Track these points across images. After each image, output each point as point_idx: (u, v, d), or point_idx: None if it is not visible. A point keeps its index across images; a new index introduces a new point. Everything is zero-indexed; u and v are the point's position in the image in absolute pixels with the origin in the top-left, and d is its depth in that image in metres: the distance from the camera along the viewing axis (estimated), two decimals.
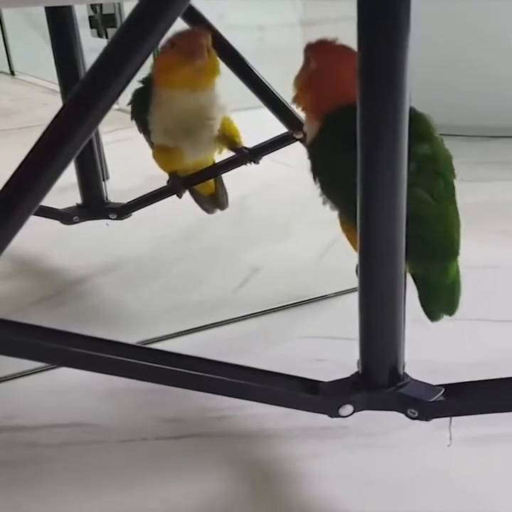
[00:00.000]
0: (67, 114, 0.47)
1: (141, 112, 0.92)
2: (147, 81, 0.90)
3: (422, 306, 0.65)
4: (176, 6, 0.44)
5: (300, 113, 0.69)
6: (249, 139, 0.96)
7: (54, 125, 0.47)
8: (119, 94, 0.46)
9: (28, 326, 0.55)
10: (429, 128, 0.64)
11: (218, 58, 0.88)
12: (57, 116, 0.47)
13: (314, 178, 0.66)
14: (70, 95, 0.47)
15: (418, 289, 0.65)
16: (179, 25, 0.76)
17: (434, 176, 0.63)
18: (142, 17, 0.44)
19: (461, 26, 1.65)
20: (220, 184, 1.01)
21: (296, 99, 0.68)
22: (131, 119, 0.94)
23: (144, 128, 0.93)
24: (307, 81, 0.67)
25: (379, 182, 0.53)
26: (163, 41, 0.82)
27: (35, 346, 0.54)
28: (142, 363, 0.57)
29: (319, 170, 0.66)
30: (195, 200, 1.01)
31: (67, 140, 0.46)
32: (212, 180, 1.00)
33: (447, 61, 1.67)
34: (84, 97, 0.46)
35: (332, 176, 0.64)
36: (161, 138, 0.93)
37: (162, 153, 0.94)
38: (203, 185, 1.00)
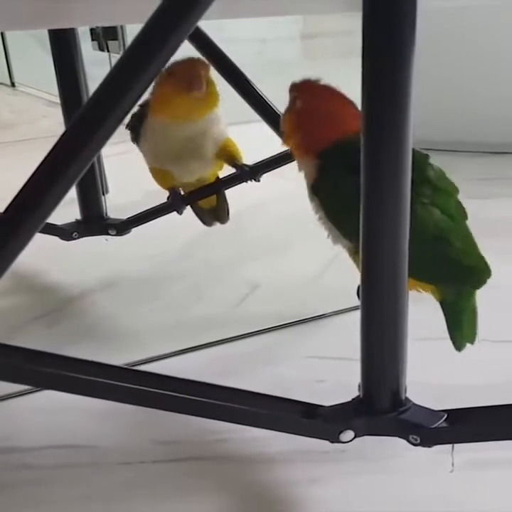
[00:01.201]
0: (73, 133, 0.46)
1: (135, 134, 0.92)
2: (145, 105, 0.89)
3: (452, 335, 0.64)
4: (183, 28, 0.43)
5: (291, 153, 0.69)
6: (248, 153, 0.96)
7: (60, 144, 0.46)
8: (126, 113, 0.45)
9: (18, 349, 0.54)
10: (423, 155, 0.65)
11: (217, 89, 0.88)
12: (63, 135, 0.47)
13: (326, 220, 0.66)
14: (75, 114, 0.46)
15: (447, 316, 0.64)
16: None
17: (446, 196, 0.64)
18: (150, 37, 0.44)
19: (460, 43, 1.66)
20: (221, 198, 1.00)
21: (286, 140, 0.69)
22: (132, 141, 0.94)
23: (139, 148, 0.94)
24: (296, 121, 0.67)
25: (382, 203, 0.53)
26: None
27: (22, 369, 0.53)
28: (137, 387, 0.56)
29: (332, 212, 0.65)
30: (196, 213, 1.01)
31: (73, 160, 0.46)
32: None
33: (446, 79, 1.67)
34: (90, 116, 0.46)
35: (346, 214, 0.63)
36: (151, 162, 0.94)
37: (155, 173, 0.95)
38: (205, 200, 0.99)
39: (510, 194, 1.43)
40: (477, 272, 0.63)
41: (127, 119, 0.91)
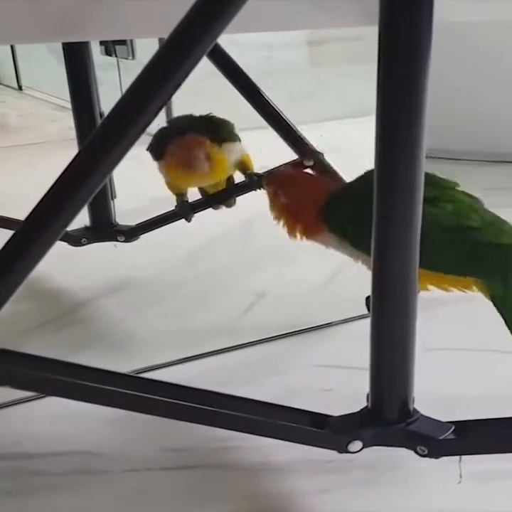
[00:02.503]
0: (92, 147, 0.47)
1: (154, 156, 0.93)
2: (166, 133, 0.91)
3: None
4: (202, 45, 0.44)
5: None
6: (256, 159, 0.96)
7: (79, 158, 0.47)
8: (145, 128, 0.46)
9: (24, 355, 0.54)
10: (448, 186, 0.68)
11: (223, 157, 0.90)
12: (82, 149, 0.47)
13: (355, 252, 0.70)
14: (94, 130, 0.47)
15: (503, 315, 0.63)
16: None
17: (452, 191, 0.66)
18: (168, 54, 0.44)
19: (468, 54, 1.66)
20: (230, 182, 1.00)
21: (290, 233, 0.76)
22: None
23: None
24: (288, 213, 0.75)
25: (393, 213, 0.53)
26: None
27: (29, 377, 0.53)
28: (144, 395, 0.56)
29: (355, 242, 0.69)
30: (202, 195, 1.01)
31: (91, 174, 0.46)
32: (221, 185, 1.00)
33: (453, 87, 1.67)
34: (110, 131, 0.46)
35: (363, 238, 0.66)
36: (167, 180, 0.96)
37: (170, 185, 0.97)
38: (213, 189, 1.00)
39: None
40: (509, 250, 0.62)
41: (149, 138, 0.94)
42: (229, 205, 1.01)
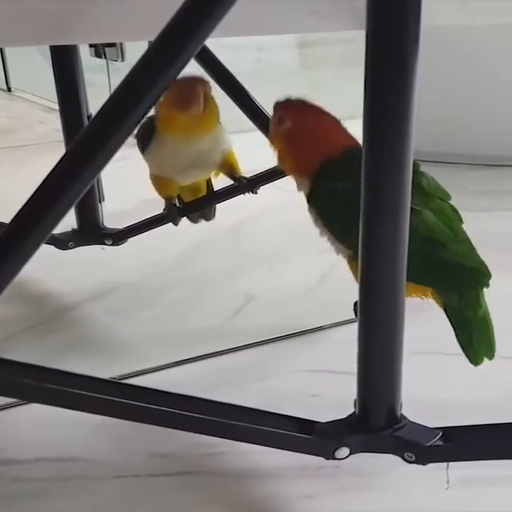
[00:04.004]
0: (79, 148, 0.46)
1: (142, 140, 0.92)
2: (153, 118, 0.90)
3: (461, 345, 0.63)
4: (190, 48, 0.43)
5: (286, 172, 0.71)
6: (244, 162, 0.96)
7: (66, 159, 0.46)
8: (132, 129, 0.45)
9: (8, 361, 0.53)
10: (416, 165, 0.66)
11: (217, 106, 0.89)
12: (69, 150, 0.47)
13: (326, 232, 0.67)
14: (82, 130, 0.46)
15: (453, 324, 0.63)
16: None
17: (440, 201, 0.65)
18: (156, 57, 0.44)
19: (456, 58, 1.67)
20: (209, 191, 1.00)
21: (279, 161, 0.70)
22: (135, 137, 0.94)
23: (143, 155, 0.93)
24: (287, 143, 0.69)
25: (381, 219, 0.53)
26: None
27: (14, 383, 0.52)
28: (128, 402, 0.56)
29: (330, 223, 0.67)
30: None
31: (78, 175, 0.46)
32: (201, 191, 1.00)
33: (446, 91, 1.67)
34: (96, 133, 0.46)
35: (344, 225, 0.65)
36: (155, 170, 0.94)
37: (156, 179, 0.95)
38: (191, 196, 1.00)
39: (505, 207, 1.43)
40: (474, 272, 0.63)
41: (137, 128, 0.93)
42: (208, 219, 1.01)
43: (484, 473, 0.69)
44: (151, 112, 0.91)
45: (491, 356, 0.64)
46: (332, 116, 0.69)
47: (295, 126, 0.68)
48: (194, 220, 1.01)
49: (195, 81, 0.84)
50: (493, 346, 0.64)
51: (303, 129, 0.67)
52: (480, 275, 0.63)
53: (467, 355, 0.64)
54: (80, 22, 0.47)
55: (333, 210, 0.66)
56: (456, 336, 0.63)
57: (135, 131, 0.92)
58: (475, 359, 0.64)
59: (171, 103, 0.84)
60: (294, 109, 0.69)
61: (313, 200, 0.67)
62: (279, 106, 0.70)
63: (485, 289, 0.64)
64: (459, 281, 0.64)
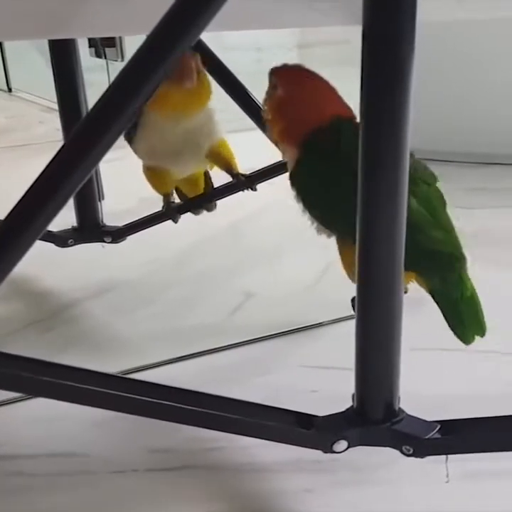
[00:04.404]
0: (75, 143, 0.47)
1: (129, 130, 0.89)
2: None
3: (450, 326, 0.64)
4: (185, 41, 0.44)
5: (274, 141, 0.69)
6: (244, 161, 0.96)
7: (61, 154, 0.46)
8: (127, 124, 0.46)
9: (8, 355, 0.54)
10: None
11: (209, 80, 0.86)
12: (64, 145, 0.47)
13: (304, 209, 0.66)
14: (77, 125, 0.46)
15: (440, 307, 0.64)
16: None
17: (418, 182, 0.64)
18: (151, 50, 0.44)
19: (451, 55, 1.67)
20: (208, 186, 1.00)
21: (268, 129, 0.68)
22: (124, 138, 0.93)
23: (131, 146, 0.92)
24: (277, 109, 0.66)
25: (378, 214, 0.53)
26: None
27: (15, 377, 0.53)
28: (128, 395, 0.56)
29: (307, 200, 0.65)
30: (182, 200, 1.00)
31: (74, 170, 0.46)
32: (201, 182, 0.99)
33: (441, 89, 1.68)
34: (92, 127, 0.46)
35: (322, 203, 0.64)
36: (145, 158, 0.92)
37: (149, 172, 0.94)
38: (191, 187, 0.99)
39: (498, 205, 1.43)
40: (448, 257, 0.63)
41: None
42: (209, 209, 1.00)
43: (484, 466, 0.69)
44: None
45: (481, 334, 0.64)
46: (328, 85, 0.66)
47: (287, 93, 0.65)
48: (196, 212, 1.01)
49: (185, 55, 0.80)
50: (483, 324, 0.64)
51: (294, 96, 0.65)
52: (454, 259, 0.63)
53: (457, 335, 0.64)
54: (77, 16, 0.47)
55: (313, 192, 0.64)
56: (445, 317, 0.64)
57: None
58: (465, 338, 0.64)
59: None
60: (288, 76, 0.66)
61: (295, 178, 0.66)
62: (273, 72, 0.67)
63: (469, 272, 0.64)
64: (436, 266, 0.63)
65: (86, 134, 0.46)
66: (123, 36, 1.11)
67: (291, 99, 0.65)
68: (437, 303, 0.64)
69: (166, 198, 0.95)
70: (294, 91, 0.65)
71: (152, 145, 0.89)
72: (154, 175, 0.93)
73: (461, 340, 0.64)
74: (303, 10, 0.53)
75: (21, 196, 0.46)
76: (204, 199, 0.98)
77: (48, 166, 0.45)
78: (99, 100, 0.45)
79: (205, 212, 1.00)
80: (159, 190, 0.95)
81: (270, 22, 0.59)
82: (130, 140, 0.91)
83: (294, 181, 0.66)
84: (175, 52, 0.43)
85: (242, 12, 0.46)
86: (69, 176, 0.45)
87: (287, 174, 0.71)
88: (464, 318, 0.64)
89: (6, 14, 0.46)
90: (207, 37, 0.94)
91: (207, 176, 0.99)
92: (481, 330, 0.64)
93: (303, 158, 0.64)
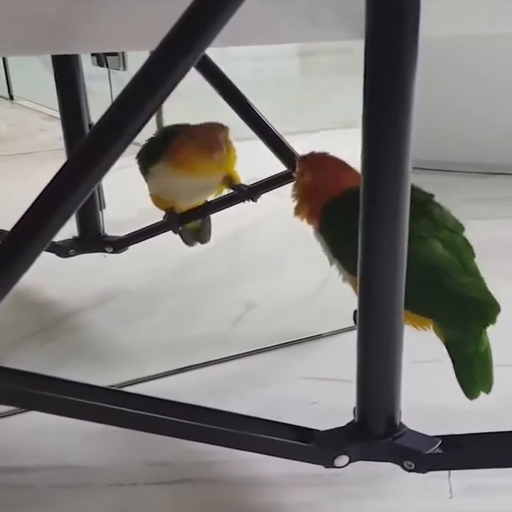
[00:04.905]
0: (81, 156, 0.47)
1: (145, 164, 0.94)
2: (159, 140, 0.92)
3: (460, 381, 0.63)
4: (190, 56, 0.44)
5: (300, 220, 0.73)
6: (245, 170, 0.96)
7: (68, 167, 0.46)
8: (133, 138, 0.46)
9: (6, 369, 0.54)
10: (428, 194, 0.67)
11: (235, 150, 0.91)
12: (71, 157, 0.47)
13: (332, 259, 0.69)
14: (83, 139, 0.47)
15: (453, 360, 0.63)
16: None
17: (449, 232, 0.65)
18: (156, 66, 0.44)
19: (453, 66, 1.67)
20: (205, 219, 1.01)
21: (296, 210, 0.73)
22: (136, 157, 0.95)
23: (144, 176, 0.95)
24: (304, 192, 0.72)
25: (379, 230, 0.53)
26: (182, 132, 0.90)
27: (12, 391, 0.52)
28: (126, 410, 0.56)
29: (335, 250, 0.69)
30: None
31: (79, 183, 0.46)
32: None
33: (445, 99, 1.68)
34: (98, 141, 0.46)
35: (348, 251, 0.65)
36: (156, 192, 0.96)
37: (156, 199, 0.97)
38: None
39: (501, 215, 1.43)
40: (481, 307, 0.62)
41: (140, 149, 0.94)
42: (203, 241, 1.02)
43: (487, 482, 0.69)
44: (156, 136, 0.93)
45: (487, 391, 0.64)
46: (349, 167, 0.72)
47: (314, 178, 0.72)
48: (190, 243, 1.02)
49: (216, 126, 0.87)
50: (491, 382, 0.64)
51: (319, 180, 0.72)
52: (487, 307, 0.62)
53: (464, 390, 0.64)
54: (80, 32, 0.47)
55: (340, 239, 0.67)
56: (455, 370, 0.63)
57: (138, 152, 0.93)
58: (472, 394, 0.64)
59: (192, 147, 0.87)
60: (314, 164, 0.74)
61: (322, 231, 0.69)
62: (302, 160, 0.75)
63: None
64: (464, 314, 0.62)
65: (91, 148, 0.46)
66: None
67: (318, 183, 0.72)
68: (450, 354, 0.63)
69: (168, 210, 0.96)
70: (320, 175, 0.72)
71: (165, 188, 0.94)
72: (160, 202, 0.97)
73: (466, 394, 0.64)
74: (304, 25, 0.53)
75: (26, 209, 0.46)
76: (205, 210, 0.98)
77: (52, 180, 0.45)
78: (105, 115, 0.45)
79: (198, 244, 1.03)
80: (162, 209, 0.97)
81: (272, 38, 0.59)
82: (143, 172, 0.94)
83: (322, 233, 0.70)
84: (179, 69, 0.43)
85: (243, 28, 0.46)
86: (73, 190, 0.45)
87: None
88: (475, 374, 0.63)
89: (10, 30, 0.46)
90: (207, 49, 0.94)
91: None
92: (488, 387, 0.64)
93: (330, 214, 0.69)
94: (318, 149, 0.74)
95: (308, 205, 0.72)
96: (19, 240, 0.47)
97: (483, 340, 0.63)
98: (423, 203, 0.63)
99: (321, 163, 0.73)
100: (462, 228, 0.66)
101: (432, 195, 0.66)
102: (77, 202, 0.46)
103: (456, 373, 0.63)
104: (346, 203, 0.64)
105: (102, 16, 0.48)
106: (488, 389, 0.64)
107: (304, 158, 0.75)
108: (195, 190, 0.94)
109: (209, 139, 0.86)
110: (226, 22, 0.44)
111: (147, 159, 0.93)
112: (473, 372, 0.63)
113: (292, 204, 0.74)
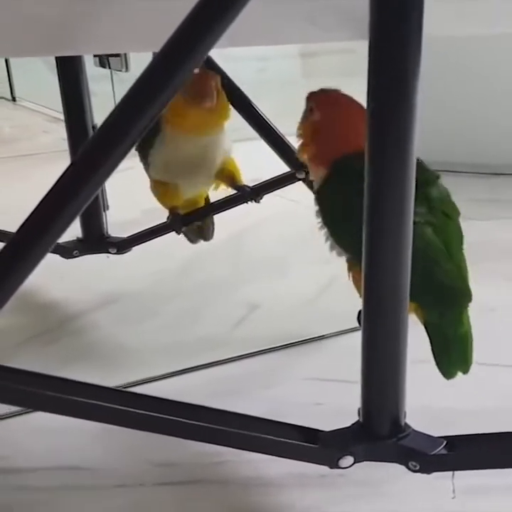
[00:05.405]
0: (85, 158, 0.47)
1: (145, 145, 0.92)
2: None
3: (437, 361, 0.64)
4: (195, 57, 0.44)
5: (304, 162, 0.70)
6: (247, 170, 0.96)
7: (72, 169, 0.47)
8: (137, 139, 0.46)
9: (11, 369, 0.54)
10: (432, 174, 0.66)
11: (228, 101, 0.89)
12: (75, 160, 0.47)
13: (323, 225, 0.67)
14: (87, 141, 0.47)
15: (431, 341, 0.64)
16: None
17: (443, 217, 0.64)
18: (160, 67, 0.44)
19: (461, 67, 1.67)
20: (208, 216, 1.01)
21: (300, 150, 0.69)
22: (135, 149, 0.94)
23: (145, 161, 0.93)
24: (311, 132, 0.68)
25: (385, 225, 0.53)
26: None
27: (17, 391, 0.52)
28: (131, 410, 0.56)
29: (328, 218, 0.66)
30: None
31: (84, 185, 0.46)
32: (201, 204, 1.00)
33: (448, 100, 1.68)
34: (102, 143, 0.46)
35: (341, 223, 0.65)
36: (159, 174, 0.93)
37: (159, 187, 0.95)
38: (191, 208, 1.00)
39: (505, 215, 1.43)
40: (459, 294, 0.63)
41: None
42: (207, 239, 1.01)
43: (490, 482, 0.69)
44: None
45: (465, 371, 0.64)
46: (362, 110, 0.68)
47: (323, 117, 0.67)
48: (193, 240, 1.02)
49: (207, 75, 0.84)
50: (469, 362, 0.64)
51: (330, 120, 0.67)
52: (460, 295, 0.63)
53: (441, 370, 0.64)
54: (83, 33, 0.47)
55: (335, 211, 0.65)
56: (432, 350, 0.64)
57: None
58: (448, 374, 0.64)
59: (182, 98, 0.83)
60: (324, 101, 0.68)
61: (320, 196, 0.67)
62: (310, 96, 0.69)
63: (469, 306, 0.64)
64: (441, 299, 0.63)
65: (95, 151, 0.46)
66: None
67: (327, 124, 0.67)
68: (429, 336, 0.64)
69: (172, 210, 0.96)
70: (330, 116, 0.67)
71: (168, 160, 0.91)
72: (163, 190, 0.95)
73: (443, 374, 0.64)
74: (307, 26, 0.53)
75: (31, 211, 0.46)
76: (208, 210, 0.98)
77: (57, 183, 0.46)
78: (109, 117, 0.45)
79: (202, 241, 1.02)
80: (166, 204, 0.96)
81: (274, 38, 0.59)
82: (144, 155, 0.92)
83: (319, 198, 0.67)
84: (183, 70, 0.43)
85: (245, 29, 0.46)
86: (77, 192, 0.45)
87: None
88: (452, 355, 0.64)
89: (13, 31, 0.46)
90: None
91: (206, 198, 1.01)
92: (466, 367, 0.64)
93: (330, 178, 0.66)
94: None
95: (314, 147, 0.67)
96: (24, 241, 0.47)
97: (464, 322, 0.63)
98: (421, 185, 0.62)
99: (334, 102, 0.67)
100: (458, 213, 0.66)
101: (436, 176, 0.65)
102: (82, 204, 0.47)
103: (433, 353, 0.63)
104: (355, 169, 0.58)
105: (103, 17, 0.48)
106: (466, 369, 0.64)
107: (314, 94, 0.69)
108: (195, 157, 0.90)
109: (199, 87, 0.82)
110: (231, 23, 0.44)
111: (145, 139, 0.90)
112: (451, 353, 0.63)
113: (297, 144, 0.70)
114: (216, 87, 0.84)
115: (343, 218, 0.64)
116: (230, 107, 0.89)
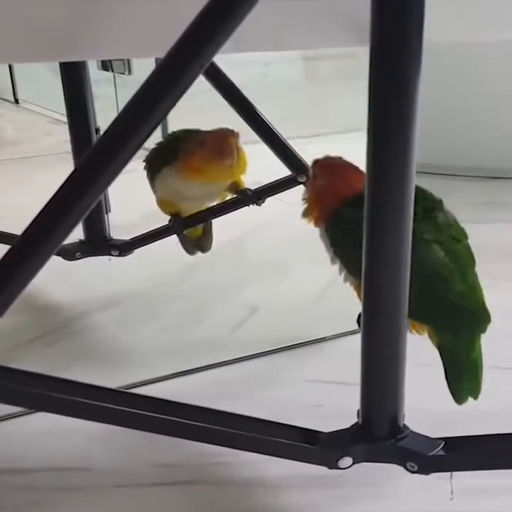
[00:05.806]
0: (90, 163, 0.47)
1: (153, 165, 0.94)
2: (169, 144, 0.93)
3: (450, 386, 0.64)
4: (198, 63, 0.44)
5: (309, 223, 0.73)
6: (249, 173, 0.97)
7: (77, 173, 0.47)
8: (141, 144, 0.46)
9: (12, 370, 0.54)
10: (436, 200, 0.67)
11: (245, 156, 0.91)
12: (80, 164, 0.48)
13: (334, 258, 0.70)
14: (92, 146, 0.47)
15: (445, 365, 0.64)
16: None
17: (452, 240, 0.65)
18: (164, 73, 0.45)
19: (459, 71, 1.68)
20: (207, 228, 1.02)
21: (306, 213, 0.73)
22: (144, 168, 0.96)
23: (151, 181, 0.96)
24: (314, 196, 0.72)
25: (383, 234, 0.54)
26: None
27: (19, 392, 0.53)
28: (132, 411, 0.56)
29: (339, 250, 0.69)
30: (179, 239, 1.02)
31: (88, 189, 0.47)
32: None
33: (448, 103, 1.69)
34: (106, 148, 0.47)
35: (351, 253, 0.66)
36: (164, 195, 0.96)
37: (164, 205, 0.98)
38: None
39: (505, 219, 1.43)
40: (474, 316, 0.63)
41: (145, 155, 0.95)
42: (204, 250, 1.03)
43: (488, 483, 0.69)
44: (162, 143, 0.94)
45: (475, 397, 0.65)
46: (361, 172, 0.70)
47: (326, 183, 0.71)
48: (191, 252, 1.02)
49: (228, 132, 0.88)
50: (479, 389, 0.65)
51: (331, 185, 0.71)
52: (478, 319, 0.64)
53: (452, 394, 0.65)
54: (87, 39, 0.48)
55: (344, 240, 0.68)
56: (446, 374, 0.64)
57: (147, 155, 0.95)
58: (460, 399, 0.65)
59: (203, 153, 0.87)
60: (325, 167, 0.73)
61: (329, 231, 0.70)
62: (315, 163, 0.74)
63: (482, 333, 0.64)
64: (456, 322, 0.64)
65: (99, 154, 0.47)
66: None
67: (328, 187, 0.71)
68: (442, 359, 0.64)
69: (174, 214, 0.97)
70: (332, 180, 0.71)
71: (174, 191, 0.94)
72: (166, 204, 0.97)
73: (455, 399, 0.65)
74: (309, 33, 0.53)
75: (36, 214, 0.47)
76: (210, 214, 0.99)
77: (61, 186, 0.46)
78: (114, 121, 0.46)
79: (199, 253, 1.03)
80: (168, 213, 0.98)
81: (276, 44, 0.60)
82: (151, 175, 0.95)
83: (328, 232, 0.70)
84: (188, 76, 0.44)
85: (248, 35, 0.47)
86: (82, 196, 0.46)
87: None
88: (465, 380, 0.64)
89: (17, 37, 0.47)
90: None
91: None
92: (476, 393, 0.65)
93: (338, 215, 0.69)
94: (331, 153, 0.74)
95: (318, 207, 0.71)
96: (29, 244, 0.48)
97: (476, 347, 0.64)
98: (428, 210, 0.64)
99: (334, 167, 0.73)
100: (466, 236, 0.67)
101: (439, 201, 0.66)
102: (85, 209, 0.47)
103: (446, 378, 0.64)
104: (356, 205, 0.63)
105: (109, 23, 0.49)
106: (475, 395, 0.65)
107: (317, 162, 0.75)
108: (204, 195, 0.95)
109: (220, 145, 0.86)
110: (235, 29, 0.44)
111: (157, 163, 0.93)
112: (463, 378, 0.64)
113: (301, 207, 0.73)
114: (236, 144, 0.87)
115: (352, 247, 0.64)
116: (247, 162, 0.91)
